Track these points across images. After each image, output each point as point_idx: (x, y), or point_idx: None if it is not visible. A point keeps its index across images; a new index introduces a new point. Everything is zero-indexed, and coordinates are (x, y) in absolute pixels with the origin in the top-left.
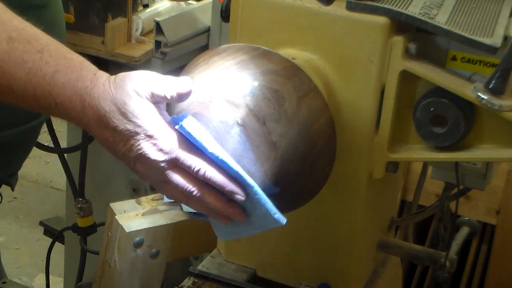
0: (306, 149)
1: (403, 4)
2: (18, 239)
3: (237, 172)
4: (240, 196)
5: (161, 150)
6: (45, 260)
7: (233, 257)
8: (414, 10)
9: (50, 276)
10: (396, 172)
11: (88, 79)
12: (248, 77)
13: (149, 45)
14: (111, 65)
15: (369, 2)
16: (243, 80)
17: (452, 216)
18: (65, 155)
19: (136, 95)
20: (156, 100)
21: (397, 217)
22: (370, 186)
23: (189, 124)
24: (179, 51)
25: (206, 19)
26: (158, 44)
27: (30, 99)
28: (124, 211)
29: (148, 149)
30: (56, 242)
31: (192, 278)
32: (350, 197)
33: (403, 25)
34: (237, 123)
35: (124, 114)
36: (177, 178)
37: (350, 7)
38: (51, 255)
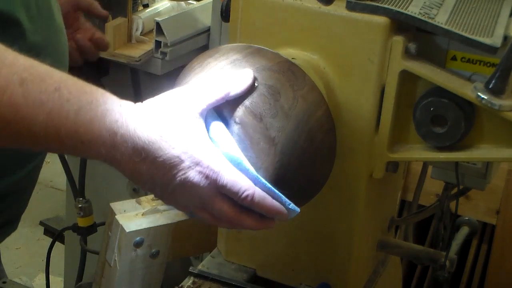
0: (305, 143)
1: (403, 4)
2: (18, 239)
3: (245, 168)
4: (284, 216)
5: (207, 177)
6: (45, 260)
7: (233, 257)
8: (414, 10)
9: (50, 276)
10: (396, 172)
11: (116, 112)
12: None
13: (149, 45)
14: (111, 65)
15: (369, 2)
16: None
17: (452, 216)
18: (65, 155)
19: (180, 116)
20: (207, 109)
21: (397, 217)
22: (370, 186)
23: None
24: (179, 51)
25: (206, 19)
26: (158, 44)
27: (53, 141)
28: (124, 211)
29: (195, 177)
30: (56, 242)
31: (192, 278)
32: (350, 197)
33: (403, 25)
34: (235, 121)
35: (169, 141)
36: (219, 206)
37: (350, 7)
38: (51, 255)
